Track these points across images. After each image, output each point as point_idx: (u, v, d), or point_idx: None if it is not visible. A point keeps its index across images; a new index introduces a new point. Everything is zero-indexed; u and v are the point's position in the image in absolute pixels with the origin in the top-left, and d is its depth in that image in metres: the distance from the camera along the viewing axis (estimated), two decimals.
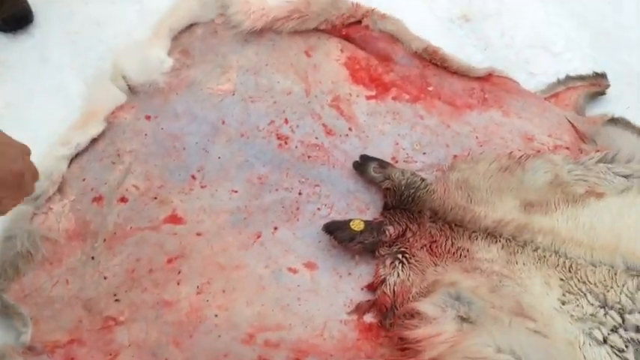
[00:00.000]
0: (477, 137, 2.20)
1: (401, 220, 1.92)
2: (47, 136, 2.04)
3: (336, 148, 2.16)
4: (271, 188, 2.06)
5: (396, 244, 1.87)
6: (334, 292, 1.85)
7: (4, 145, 1.02)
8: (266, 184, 2.06)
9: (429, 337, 1.61)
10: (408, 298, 1.74)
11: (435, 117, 2.26)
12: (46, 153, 2.01)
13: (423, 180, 1.99)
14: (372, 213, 2.02)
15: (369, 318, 1.80)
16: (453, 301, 1.67)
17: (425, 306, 1.67)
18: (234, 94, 2.25)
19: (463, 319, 1.63)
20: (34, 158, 1.19)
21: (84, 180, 2.00)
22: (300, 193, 2.05)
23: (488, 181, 1.98)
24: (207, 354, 1.70)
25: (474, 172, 2.01)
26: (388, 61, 2.36)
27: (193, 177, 2.06)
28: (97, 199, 1.96)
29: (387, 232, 1.89)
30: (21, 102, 2.21)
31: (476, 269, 1.77)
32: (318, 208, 2.03)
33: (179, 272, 1.85)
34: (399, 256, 1.83)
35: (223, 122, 2.18)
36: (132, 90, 2.20)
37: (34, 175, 1.17)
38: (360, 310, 1.80)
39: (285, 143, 2.16)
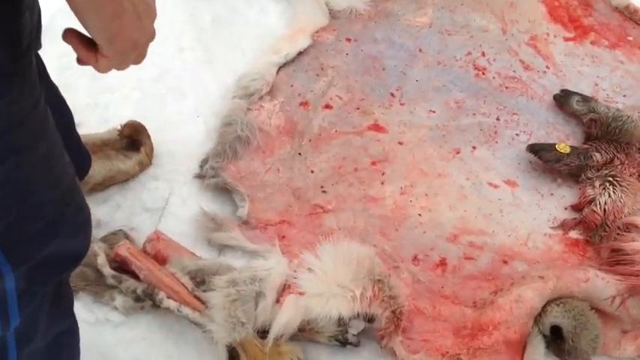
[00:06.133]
0: None
1: (608, 149, 1.89)
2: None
3: (534, 82, 2.16)
4: (468, 112, 2.08)
5: (605, 169, 1.84)
6: (537, 208, 1.85)
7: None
8: (463, 108, 2.09)
9: None
10: (621, 216, 1.71)
11: (636, 64, 2.22)
12: (258, 57, 2.13)
13: (628, 115, 1.95)
14: (572, 144, 2.00)
15: (574, 234, 1.78)
16: None
17: None
18: (430, 27, 2.30)
19: None
20: None
21: (292, 86, 2.09)
22: (497, 119, 2.07)
23: None
24: (414, 245, 1.74)
25: None
26: (587, 6, 2.35)
27: (392, 95, 2.11)
28: (304, 104, 2.05)
29: (594, 158, 1.86)
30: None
31: None
32: (517, 134, 2.03)
33: (383, 174, 1.90)
34: (610, 178, 1.80)
35: (420, 50, 2.24)
36: (332, 15, 2.29)
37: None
38: (565, 226, 1.79)
39: (483, 74, 2.18)
